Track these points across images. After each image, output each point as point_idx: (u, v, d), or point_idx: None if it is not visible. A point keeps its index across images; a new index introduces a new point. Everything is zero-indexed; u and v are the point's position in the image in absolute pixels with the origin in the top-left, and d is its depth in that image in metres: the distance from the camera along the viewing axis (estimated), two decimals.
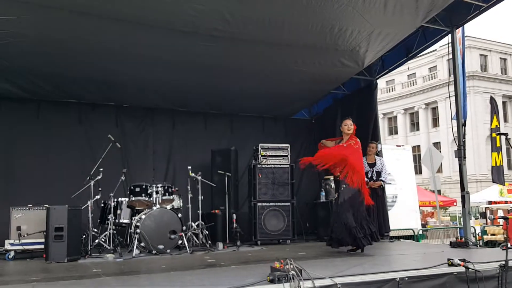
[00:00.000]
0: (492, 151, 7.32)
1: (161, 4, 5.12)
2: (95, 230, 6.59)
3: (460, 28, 7.09)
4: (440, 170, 30.15)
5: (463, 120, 6.81)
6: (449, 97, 7.02)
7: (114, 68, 6.78)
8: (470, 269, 3.83)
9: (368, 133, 8.02)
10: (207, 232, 6.83)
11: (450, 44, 6.93)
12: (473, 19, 6.84)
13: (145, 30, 5.64)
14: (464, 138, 6.75)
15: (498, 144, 7.33)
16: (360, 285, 3.53)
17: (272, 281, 3.30)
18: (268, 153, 7.59)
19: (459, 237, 6.19)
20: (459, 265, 3.87)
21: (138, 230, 6.05)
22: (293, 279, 3.25)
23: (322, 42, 6.40)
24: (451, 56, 6.98)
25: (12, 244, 5.98)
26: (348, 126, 5.79)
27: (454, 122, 6.95)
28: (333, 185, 8.11)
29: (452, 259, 3.96)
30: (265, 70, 7.20)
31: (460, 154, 6.63)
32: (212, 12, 5.34)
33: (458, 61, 6.98)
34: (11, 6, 4.98)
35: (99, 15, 5.28)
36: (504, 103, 34.61)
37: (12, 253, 5.97)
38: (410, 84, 38.32)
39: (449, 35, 6.94)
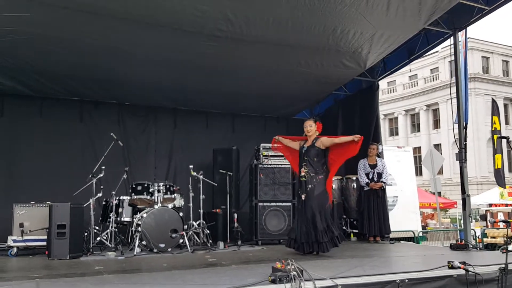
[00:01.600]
0: (495, 153, 7.33)
1: (165, 3, 5.16)
2: (97, 228, 6.62)
3: (464, 31, 7.09)
4: (440, 172, 30.16)
5: (464, 122, 6.82)
6: (451, 99, 7.03)
7: (117, 66, 6.82)
8: (470, 272, 3.84)
9: (370, 134, 8.04)
10: (208, 232, 6.86)
11: (452, 47, 6.95)
12: (476, 22, 6.85)
13: (149, 29, 5.67)
14: (465, 140, 6.76)
15: (496, 146, 7.35)
16: (360, 287, 3.54)
17: (273, 281, 3.30)
18: (269, 153, 7.61)
19: (459, 240, 6.20)
20: (459, 267, 3.88)
21: (139, 229, 6.07)
22: (295, 279, 3.26)
23: (324, 43, 6.42)
24: (453, 58, 6.99)
25: (14, 241, 6.00)
26: (308, 128, 5.69)
27: (455, 124, 6.97)
28: (334, 186, 8.15)
29: (452, 262, 3.97)
30: (267, 70, 7.22)
31: (461, 157, 6.64)
32: (215, 12, 5.36)
33: (461, 63, 6.99)
34: (14, 3, 5.01)
35: (104, 14, 5.30)
36: (505, 105, 34.58)
37: (15, 250, 5.99)
38: (412, 85, 38.32)
39: (451, 38, 6.95)
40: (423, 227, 15.14)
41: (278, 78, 7.53)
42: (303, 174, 5.62)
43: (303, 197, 5.56)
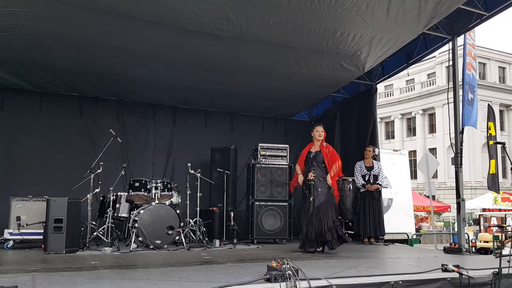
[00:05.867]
0: (490, 159, 7.39)
1: (167, 1, 5.17)
2: (94, 223, 6.64)
3: (463, 35, 7.12)
4: (435, 175, 30.33)
5: (461, 127, 6.87)
6: (448, 103, 7.07)
7: (118, 63, 6.82)
8: (463, 276, 3.88)
9: (367, 137, 8.11)
10: (204, 229, 6.89)
11: (450, 51, 6.98)
12: (474, 27, 6.91)
13: (150, 26, 5.68)
14: (461, 145, 6.81)
15: (491, 152, 7.41)
16: (355, 287, 3.57)
17: (269, 280, 3.32)
18: (267, 153, 7.65)
19: (453, 243, 6.26)
20: (453, 271, 3.92)
21: (136, 225, 6.10)
22: (290, 279, 3.27)
23: (324, 45, 6.45)
24: (451, 63, 7.03)
25: (11, 234, 6.01)
26: (319, 132, 5.98)
27: (452, 129, 6.99)
28: None
29: (446, 265, 4.01)
30: (267, 70, 7.25)
31: (457, 161, 6.69)
32: (217, 11, 5.39)
33: (460, 68, 7.03)
34: None
35: (105, 11, 5.31)
36: (501, 111, 34.79)
37: (11, 243, 6.01)
38: (408, 89, 38.49)
39: (450, 43, 6.99)
40: (417, 230, 15.23)
41: (277, 78, 7.56)
42: (311, 177, 5.81)
43: (311, 199, 5.78)
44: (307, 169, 5.92)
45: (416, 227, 16.22)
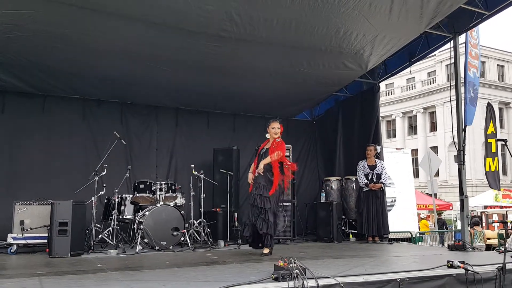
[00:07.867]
0: (487, 157, 7.40)
1: (170, 3, 5.17)
2: (98, 225, 6.63)
3: (465, 34, 7.15)
4: (436, 174, 30.34)
5: (463, 125, 6.89)
6: (450, 101, 7.08)
7: (121, 65, 6.82)
8: (469, 271, 3.90)
9: (370, 136, 8.11)
10: (208, 230, 6.90)
11: (452, 50, 7.02)
12: (475, 26, 6.94)
13: (153, 28, 5.69)
14: (464, 143, 6.83)
15: (493, 150, 7.42)
16: (362, 285, 3.58)
17: (276, 279, 3.32)
18: None
19: (457, 240, 6.29)
20: (459, 267, 3.94)
21: (141, 226, 6.11)
22: (297, 277, 3.27)
23: (327, 45, 6.47)
24: (452, 61, 7.05)
25: (14, 238, 5.97)
26: (276, 129, 5.52)
27: (453, 127, 7.01)
28: (333, 186, 8.21)
29: (452, 261, 4.03)
30: (270, 71, 7.26)
31: (460, 159, 6.71)
32: (220, 12, 5.39)
33: (465, 65, 7.04)
34: (19, 0, 5.00)
35: (108, 12, 5.31)
36: (500, 109, 34.80)
37: (15, 247, 5.96)
38: (409, 88, 38.53)
39: (451, 41, 7.02)
40: (419, 228, 15.24)
41: (280, 78, 7.56)
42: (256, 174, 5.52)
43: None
44: (257, 165, 5.55)
45: (419, 225, 16.21)
